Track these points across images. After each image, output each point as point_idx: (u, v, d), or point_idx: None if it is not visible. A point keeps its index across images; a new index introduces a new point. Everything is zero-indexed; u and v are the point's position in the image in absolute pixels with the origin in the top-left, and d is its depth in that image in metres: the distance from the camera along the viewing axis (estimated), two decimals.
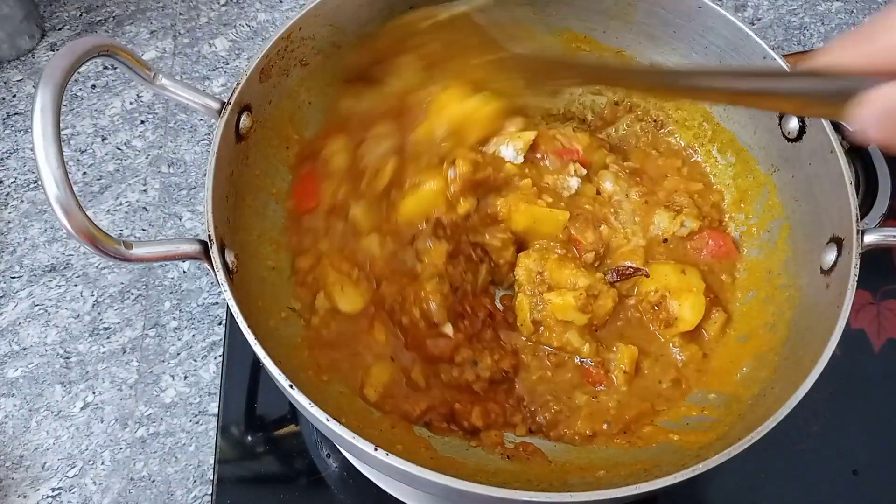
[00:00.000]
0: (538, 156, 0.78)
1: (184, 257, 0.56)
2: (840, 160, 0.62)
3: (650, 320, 0.72)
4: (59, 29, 1.01)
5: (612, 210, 0.76)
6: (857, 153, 0.91)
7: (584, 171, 0.77)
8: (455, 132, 0.71)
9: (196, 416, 0.79)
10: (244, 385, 0.78)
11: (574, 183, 0.76)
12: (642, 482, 0.50)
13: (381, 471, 0.53)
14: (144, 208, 0.89)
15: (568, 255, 0.74)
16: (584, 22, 0.79)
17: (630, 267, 0.73)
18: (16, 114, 0.95)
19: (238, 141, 0.64)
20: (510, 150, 0.75)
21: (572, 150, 0.78)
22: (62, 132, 0.49)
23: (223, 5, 1.05)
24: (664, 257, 0.75)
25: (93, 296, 0.84)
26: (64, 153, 0.48)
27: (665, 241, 0.75)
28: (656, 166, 0.80)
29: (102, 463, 0.77)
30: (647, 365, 0.71)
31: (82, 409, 0.79)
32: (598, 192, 0.77)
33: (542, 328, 0.71)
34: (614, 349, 0.71)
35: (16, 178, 0.91)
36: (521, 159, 0.75)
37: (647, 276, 0.72)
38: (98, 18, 1.03)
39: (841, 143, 0.63)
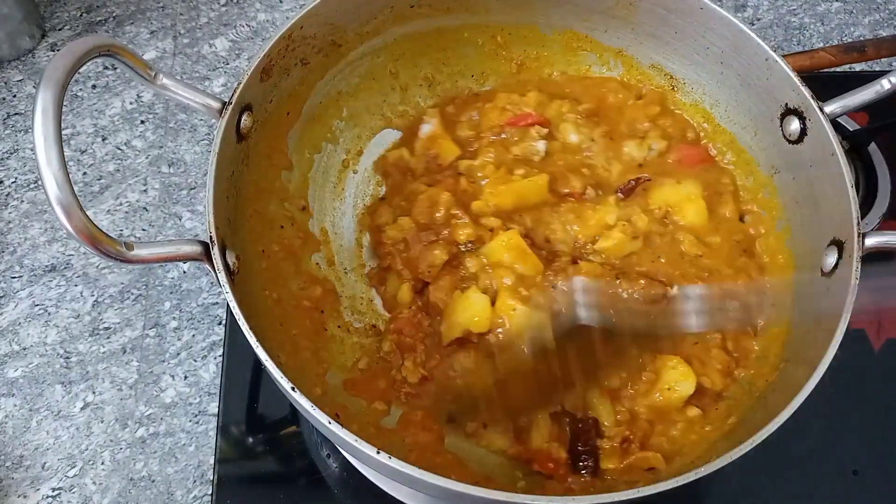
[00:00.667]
0: (500, 132, 0.78)
1: (185, 258, 0.56)
2: (841, 162, 0.62)
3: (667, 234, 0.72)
4: (59, 29, 1.01)
5: (584, 156, 0.77)
6: (858, 153, 0.91)
7: (546, 130, 0.78)
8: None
9: (196, 416, 0.79)
10: (244, 385, 0.78)
11: (541, 146, 0.77)
12: (642, 485, 0.50)
13: (382, 473, 0.53)
14: (144, 208, 0.89)
15: (575, 204, 0.74)
16: (585, 22, 0.79)
17: (629, 181, 0.75)
18: (16, 114, 0.95)
19: (239, 141, 0.64)
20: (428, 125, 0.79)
21: (526, 114, 0.79)
22: (62, 132, 0.49)
23: (223, 5, 1.05)
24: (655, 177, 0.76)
25: (93, 296, 0.84)
26: (64, 153, 0.48)
27: (640, 165, 0.77)
28: (610, 103, 0.81)
29: (102, 463, 0.76)
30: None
31: (82, 409, 0.79)
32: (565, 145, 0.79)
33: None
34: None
35: (16, 178, 0.91)
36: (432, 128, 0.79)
37: (648, 179, 0.75)
38: (98, 18, 1.03)
39: (841, 144, 0.63)
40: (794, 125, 0.68)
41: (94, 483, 0.76)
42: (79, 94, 0.96)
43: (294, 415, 0.77)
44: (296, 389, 0.51)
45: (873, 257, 0.59)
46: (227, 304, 0.54)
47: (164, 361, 0.81)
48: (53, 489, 0.75)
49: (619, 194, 0.74)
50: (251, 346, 0.53)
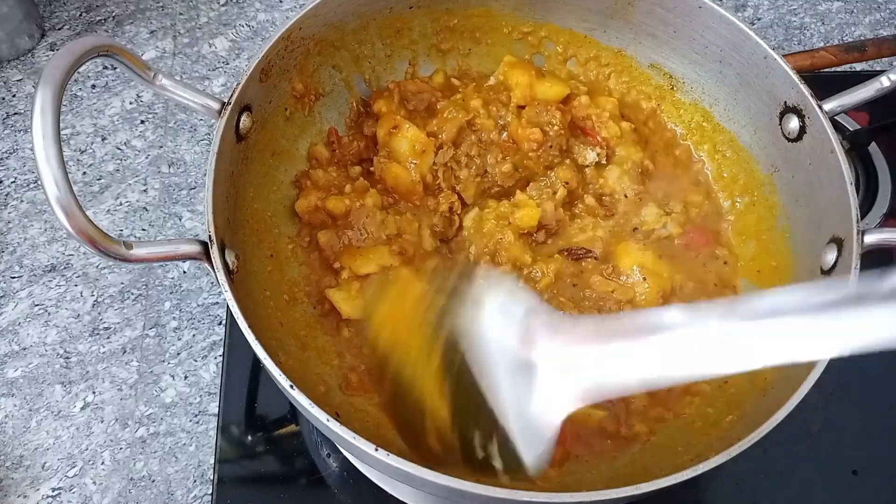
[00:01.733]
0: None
1: (184, 258, 0.56)
2: (840, 160, 0.62)
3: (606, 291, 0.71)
4: (59, 29, 1.01)
5: (609, 199, 0.77)
6: (858, 153, 0.91)
7: (603, 151, 0.78)
8: None
9: (196, 416, 0.79)
10: (244, 385, 0.78)
11: (592, 156, 0.77)
12: (642, 482, 0.49)
13: (382, 471, 0.53)
14: (144, 208, 0.89)
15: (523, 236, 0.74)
16: (584, 22, 0.79)
17: (581, 249, 0.74)
18: (15, 114, 0.95)
19: (238, 141, 0.64)
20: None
21: (594, 134, 0.78)
22: (62, 132, 0.49)
23: (223, 5, 1.05)
24: (639, 244, 0.74)
25: (93, 296, 0.84)
26: (64, 153, 0.48)
27: (634, 230, 0.75)
28: (666, 168, 0.80)
29: (102, 463, 0.77)
30: None
31: (82, 409, 0.79)
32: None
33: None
34: None
35: (16, 178, 0.91)
36: None
37: (596, 258, 0.73)
38: (98, 18, 1.03)
39: (841, 143, 0.63)
40: (794, 123, 0.68)
41: (94, 483, 0.76)
42: (78, 93, 0.96)
43: (294, 414, 0.77)
44: (294, 387, 0.51)
45: (873, 255, 0.59)
46: (227, 304, 0.54)
47: (164, 361, 0.81)
48: (53, 489, 0.75)
49: (564, 253, 0.74)
50: (251, 346, 0.53)
